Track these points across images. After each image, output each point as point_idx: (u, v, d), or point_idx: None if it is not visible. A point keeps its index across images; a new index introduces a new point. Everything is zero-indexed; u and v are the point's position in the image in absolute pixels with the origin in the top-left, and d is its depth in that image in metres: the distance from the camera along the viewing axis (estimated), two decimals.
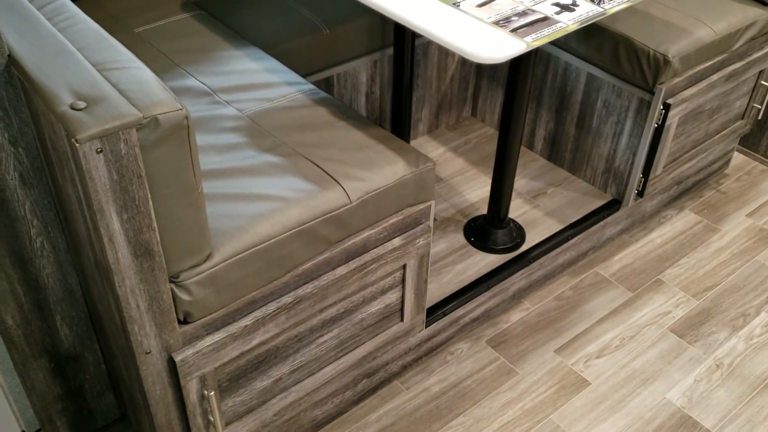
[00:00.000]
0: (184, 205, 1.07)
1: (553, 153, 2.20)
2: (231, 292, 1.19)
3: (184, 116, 0.99)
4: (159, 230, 1.06)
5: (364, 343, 1.53)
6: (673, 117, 1.87)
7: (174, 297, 1.14)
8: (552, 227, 1.98)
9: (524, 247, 1.91)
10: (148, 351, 1.15)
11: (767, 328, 1.89)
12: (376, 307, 1.49)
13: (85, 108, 0.92)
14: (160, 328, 1.14)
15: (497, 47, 1.27)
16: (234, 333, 1.23)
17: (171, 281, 1.13)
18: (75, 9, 1.15)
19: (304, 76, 1.88)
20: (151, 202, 1.02)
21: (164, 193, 1.04)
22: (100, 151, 0.92)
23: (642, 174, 1.95)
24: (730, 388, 1.74)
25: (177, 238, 1.09)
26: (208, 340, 1.21)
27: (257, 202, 1.24)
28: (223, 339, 1.22)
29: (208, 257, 1.15)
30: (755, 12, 1.96)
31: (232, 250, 1.17)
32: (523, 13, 1.37)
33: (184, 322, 1.18)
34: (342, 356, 1.50)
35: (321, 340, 1.42)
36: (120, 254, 1.02)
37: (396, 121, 2.11)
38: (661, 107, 1.82)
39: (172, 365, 1.19)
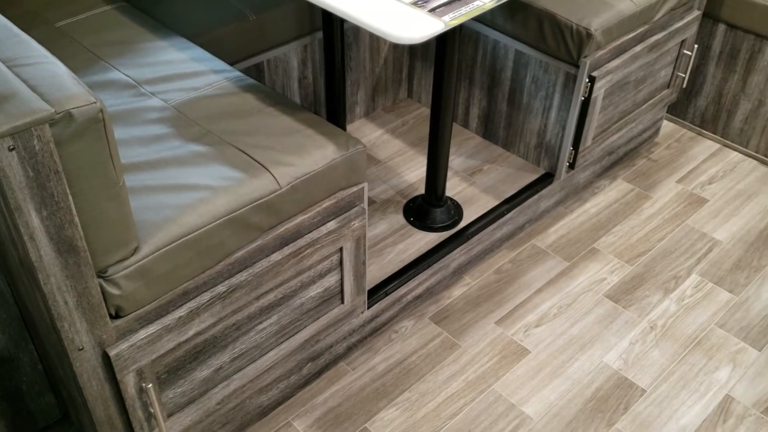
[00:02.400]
0: (106, 199, 1.06)
1: (488, 130, 2.24)
2: (162, 284, 1.19)
3: (98, 109, 0.98)
4: (82, 225, 1.06)
5: (305, 327, 1.54)
6: (599, 89, 1.91)
7: (103, 292, 1.13)
8: (489, 203, 2.01)
9: (462, 224, 1.94)
10: (81, 347, 1.14)
11: (697, 288, 1.97)
12: (315, 291, 1.51)
13: None
14: (91, 323, 1.13)
15: (416, 27, 1.29)
16: (168, 325, 1.23)
17: (99, 276, 1.12)
18: None
19: (232, 64, 1.87)
20: (71, 198, 1.01)
21: (84, 188, 1.03)
22: (13, 149, 0.91)
23: (572, 147, 1.99)
24: (664, 348, 1.81)
25: (101, 233, 1.08)
26: (142, 333, 1.20)
27: (184, 192, 1.24)
28: (158, 331, 1.22)
29: (136, 250, 1.15)
30: None
31: (160, 241, 1.17)
32: None
33: (116, 316, 1.18)
34: (283, 342, 1.51)
35: (260, 327, 1.43)
36: (42, 252, 1.01)
37: (331, 106, 2.11)
38: (587, 80, 1.86)
39: (106, 360, 1.19)
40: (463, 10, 1.33)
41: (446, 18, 1.31)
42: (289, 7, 1.93)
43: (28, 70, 0.99)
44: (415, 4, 1.35)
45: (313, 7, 1.99)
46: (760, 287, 1.97)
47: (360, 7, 1.33)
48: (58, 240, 1.02)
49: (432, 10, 1.33)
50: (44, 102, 0.94)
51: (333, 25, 1.90)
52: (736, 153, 2.43)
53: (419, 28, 1.29)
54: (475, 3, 1.35)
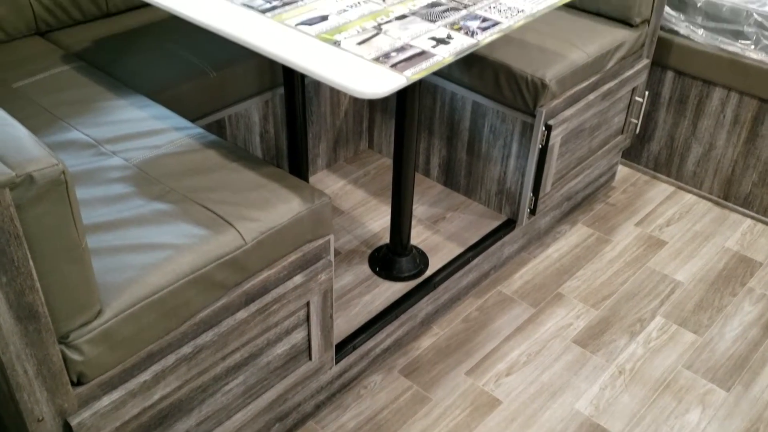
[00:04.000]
0: (68, 262, 1.04)
1: (449, 179, 2.26)
2: (126, 347, 1.16)
3: (60, 171, 0.96)
4: (43, 290, 1.02)
5: (273, 386, 1.51)
6: (556, 137, 1.96)
7: (65, 358, 1.09)
8: (453, 251, 2.02)
9: (428, 273, 1.94)
10: (41, 418, 1.10)
11: (662, 330, 1.99)
12: (281, 348, 1.48)
13: None
14: (52, 392, 1.09)
15: (379, 83, 1.30)
16: (133, 390, 1.19)
17: (60, 342, 1.09)
18: None
19: (193, 121, 1.87)
20: (32, 262, 0.98)
21: (46, 252, 1.00)
22: None
23: (532, 193, 2.02)
24: (633, 393, 1.81)
25: (63, 297, 1.05)
26: (106, 400, 1.16)
27: (147, 251, 1.22)
28: (122, 397, 1.18)
29: (99, 314, 1.12)
30: (623, 33, 2.09)
31: (124, 304, 1.14)
32: (401, 49, 1.41)
33: (78, 383, 1.13)
34: (251, 402, 1.47)
35: (227, 388, 1.39)
36: (2, 319, 0.98)
37: (293, 159, 2.11)
38: (544, 128, 1.90)
39: (68, 430, 1.14)
40: (424, 65, 1.36)
41: (407, 73, 1.33)
42: (250, 63, 1.94)
43: None
44: (376, 60, 1.37)
45: (273, 63, 2.00)
46: (723, 327, 2.00)
47: (323, 64, 1.35)
48: (18, 307, 0.99)
49: (393, 66, 1.35)
50: (4, 165, 0.92)
51: (294, 81, 1.91)
52: (690, 195, 2.50)
53: (382, 83, 1.31)
54: (435, 58, 1.38)
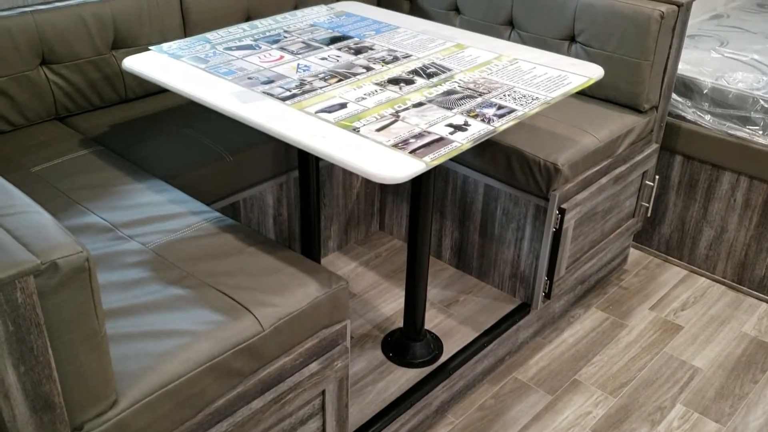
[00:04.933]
0: (86, 351, 1.02)
1: (461, 261, 2.25)
2: None
3: (84, 258, 0.96)
4: (60, 379, 1.00)
5: None
6: (569, 220, 1.96)
7: None
8: (468, 335, 1.99)
9: (443, 359, 1.90)
10: None
11: (684, 419, 1.93)
12: None
13: None
14: None
15: (399, 168, 1.31)
16: None
17: None
18: None
19: (209, 204, 1.87)
20: (50, 351, 0.96)
21: (65, 340, 0.99)
22: None
23: (546, 276, 2.01)
24: None
25: (80, 387, 1.03)
26: None
27: (164, 338, 1.20)
28: None
29: (114, 404, 1.09)
30: (632, 119, 2.13)
31: (139, 393, 1.11)
32: (419, 135, 1.42)
33: None
34: None
35: None
36: (17, 411, 0.95)
37: (306, 241, 2.11)
38: (557, 212, 1.91)
39: None
40: (443, 150, 1.37)
41: (427, 158, 1.34)
42: (266, 148, 1.96)
43: (11, 219, 0.97)
44: (395, 146, 1.38)
45: (288, 147, 2.03)
46: (746, 416, 1.95)
47: (344, 150, 1.36)
48: (35, 397, 0.96)
49: (412, 152, 1.36)
50: (29, 253, 0.91)
51: (309, 165, 1.93)
52: (704, 279, 2.48)
53: (402, 168, 1.32)
54: (453, 144, 1.39)
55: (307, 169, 1.94)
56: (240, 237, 1.50)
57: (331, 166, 2.23)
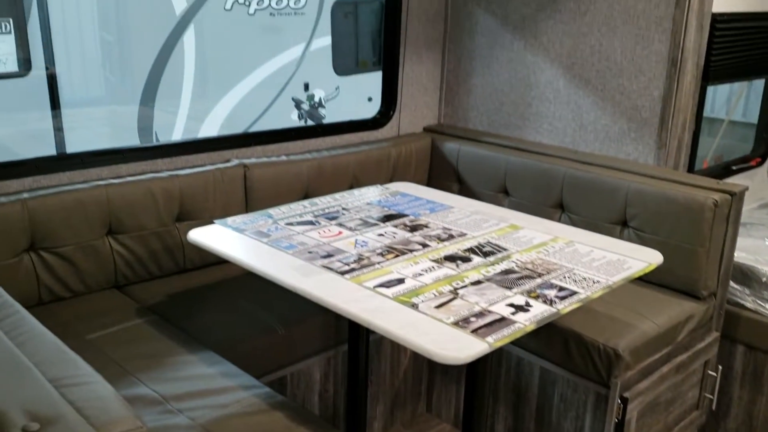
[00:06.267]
0: None
1: None
2: None
3: None
4: None
5: None
6: (632, 411, 1.86)
7: None
8: None
9: None
10: None
11: None
12: None
13: (38, 430, 0.85)
14: None
15: (460, 347, 1.28)
16: None
17: None
18: (34, 322, 1.12)
19: (258, 377, 1.83)
20: None
21: None
22: None
23: None
24: None
25: None
26: None
27: None
28: None
29: None
30: (691, 306, 2.07)
31: None
32: (480, 314, 1.40)
33: None
34: None
35: None
36: None
37: (351, 421, 2.03)
38: (619, 401, 1.82)
39: None
40: (505, 331, 1.34)
41: (490, 339, 1.31)
42: (318, 320, 1.95)
43: (74, 390, 0.96)
44: (456, 324, 1.36)
45: (339, 320, 2.01)
46: None
47: (403, 326, 1.34)
48: None
49: (474, 331, 1.33)
50: (90, 426, 0.88)
51: (359, 339, 1.90)
52: None
53: (463, 348, 1.28)
54: (516, 325, 1.36)
55: (357, 343, 1.90)
56: (289, 415, 1.45)
57: (380, 341, 2.19)
